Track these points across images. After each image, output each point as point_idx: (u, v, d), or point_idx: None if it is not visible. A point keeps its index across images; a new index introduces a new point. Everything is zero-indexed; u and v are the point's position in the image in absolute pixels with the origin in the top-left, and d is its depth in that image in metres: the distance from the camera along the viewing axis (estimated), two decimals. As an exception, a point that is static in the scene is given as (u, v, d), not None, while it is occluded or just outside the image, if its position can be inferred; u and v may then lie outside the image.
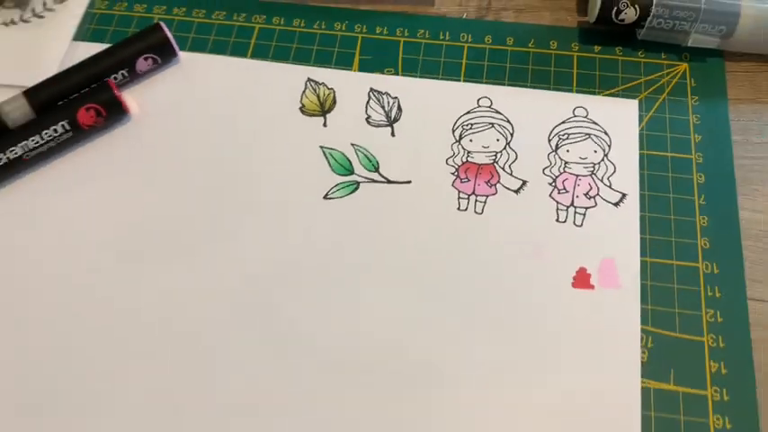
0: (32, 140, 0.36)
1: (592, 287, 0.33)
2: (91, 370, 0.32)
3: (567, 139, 0.37)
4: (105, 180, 0.37)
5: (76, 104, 0.37)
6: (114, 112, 0.38)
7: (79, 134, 0.37)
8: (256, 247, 0.35)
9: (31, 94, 0.38)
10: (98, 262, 0.35)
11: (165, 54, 0.40)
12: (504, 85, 0.39)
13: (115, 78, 0.39)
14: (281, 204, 0.36)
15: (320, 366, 0.32)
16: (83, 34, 0.42)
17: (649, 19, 0.38)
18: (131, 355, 0.32)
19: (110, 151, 0.38)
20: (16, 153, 0.36)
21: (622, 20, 0.38)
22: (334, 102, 0.39)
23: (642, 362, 0.32)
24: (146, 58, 0.39)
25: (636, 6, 0.38)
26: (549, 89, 0.39)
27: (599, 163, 0.37)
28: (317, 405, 0.31)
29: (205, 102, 0.39)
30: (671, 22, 0.38)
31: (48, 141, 0.37)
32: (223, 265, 0.34)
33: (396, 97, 0.39)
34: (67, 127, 0.37)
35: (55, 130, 0.37)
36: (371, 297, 0.34)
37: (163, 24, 0.39)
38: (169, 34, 0.39)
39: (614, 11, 0.38)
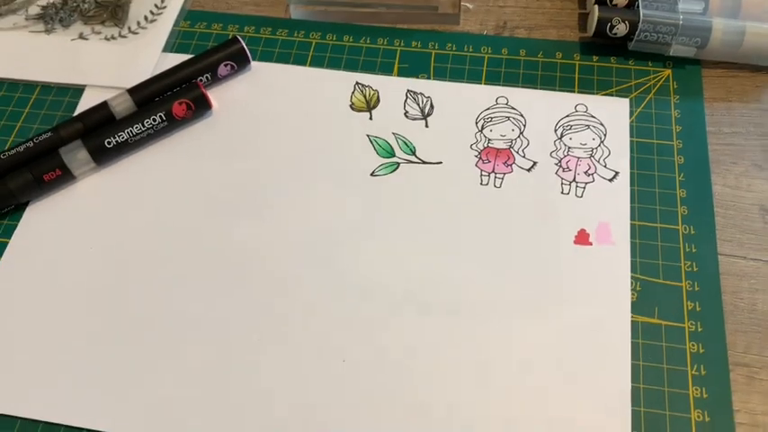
0: (136, 127, 0.45)
1: (590, 244, 0.41)
2: (187, 301, 0.40)
3: (570, 129, 0.45)
4: (193, 159, 0.46)
5: (172, 99, 0.46)
6: (201, 107, 0.47)
7: (173, 123, 0.46)
8: (318, 213, 0.43)
9: (133, 91, 0.47)
10: (189, 219, 0.43)
11: (240, 62, 0.49)
12: (518, 87, 0.48)
13: (201, 80, 0.48)
14: (337, 180, 0.44)
15: (367, 300, 0.40)
16: (170, 47, 0.51)
17: (637, 33, 0.46)
18: (222, 289, 0.40)
19: (196, 137, 0.47)
20: (123, 137, 0.45)
21: (615, 34, 0.47)
22: (378, 100, 0.48)
23: (632, 301, 0.39)
24: (225, 65, 0.48)
25: (626, 22, 0.46)
26: (555, 90, 0.47)
27: (596, 148, 0.45)
28: (367, 332, 0.39)
29: (272, 101, 0.48)
30: (655, 36, 0.46)
31: (148, 129, 0.45)
32: (290, 225, 0.42)
33: (429, 97, 0.47)
34: (164, 117, 0.45)
35: (154, 120, 0.45)
36: (411, 251, 0.41)
37: (239, 37, 0.48)
38: (245, 45, 0.48)
39: (608, 26, 0.47)
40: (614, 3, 0.48)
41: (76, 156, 0.44)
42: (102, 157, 0.45)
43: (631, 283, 0.40)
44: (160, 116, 0.45)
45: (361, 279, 0.40)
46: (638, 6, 0.47)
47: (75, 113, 0.47)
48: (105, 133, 0.45)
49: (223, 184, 0.44)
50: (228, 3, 0.54)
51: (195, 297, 0.40)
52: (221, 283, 0.41)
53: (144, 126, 0.45)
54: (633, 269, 0.40)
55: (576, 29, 0.50)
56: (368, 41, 0.51)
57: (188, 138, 0.47)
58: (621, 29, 0.47)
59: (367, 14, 0.52)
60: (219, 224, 0.43)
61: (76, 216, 0.44)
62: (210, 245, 0.42)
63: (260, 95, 0.48)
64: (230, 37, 0.49)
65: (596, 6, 0.47)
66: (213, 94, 0.48)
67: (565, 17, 0.51)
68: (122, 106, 0.46)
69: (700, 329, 0.38)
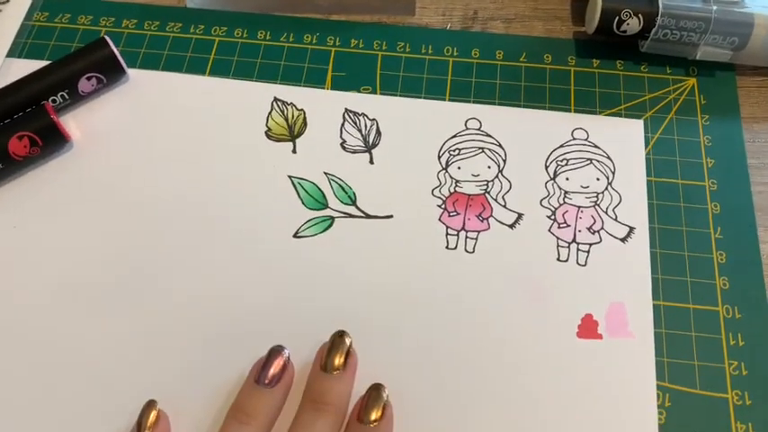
0: (-45, 175, 0.32)
1: (599, 337, 0.29)
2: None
3: (567, 165, 0.33)
4: (41, 218, 0.32)
5: (7, 132, 0.32)
6: (52, 141, 0.33)
7: (10, 166, 0.33)
8: (217, 295, 0.30)
9: (-46, 120, 0.33)
10: (32, 310, 0.30)
11: (111, 72, 0.35)
12: (494, 104, 0.35)
13: (54, 101, 0.34)
14: (245, 245, 0.32)
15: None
16: (18, 50, 0.37)
17: (654, 30, 0.34)
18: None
19: (47, 185, 0.33)
20: (-65, 190, 0.31)
21: (624, 31, 0.35)
22: (305, 124, 0.35)
23: (660, 424, 0.28)
24: (89, 78, 0.34)
25: (639, 16, 0.34)
26: (544, 108, 0.35)
27: (602, 192, 0.33)
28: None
29: (157, 127, 0.35)
30: (678, 34, 0.34)
31: (-27, 175, 0.32)
32: (176, 314, 0.30)
33: (374, 119, 0.35)
34: (-4, 158, 0.32)
35: (-19, 163, 0.32)
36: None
37: (108, 39, 0.35)
38: (116, 50, 0.35)
39: (616, 21, 0.34)
40: (621, -13, 0.36)
41: None
42: None
43: (658, 396, 0.28)
44: (-10, 157, 0.32)
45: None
46: (654, -7, 0.34)
47: None
48: None
49: (81, 254, 0.31)
50: (103, -15, 0.40)
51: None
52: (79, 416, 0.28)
53: (-33, 172, 0.32)
54: (659, 374, 0.29)
55: (569, 21, 0.38)
56: (291, 39, 0.37)
57: (36, 185, 0.33)
58: (633, 24, 0.34)
59: (290, 1, 0.38)
60: (78, 316, 0.30)
61: None
62: (58, 337, 0.29)
63: (139, 120, 0.35)
64: (99, 37, 0.36)
65: (598, -7, 0.35)
66: (74, 120, 0.35)
67: (554, 5, 0.39)
68: (-63, 142, 0.33)
69: (756, 466, 0.27)
